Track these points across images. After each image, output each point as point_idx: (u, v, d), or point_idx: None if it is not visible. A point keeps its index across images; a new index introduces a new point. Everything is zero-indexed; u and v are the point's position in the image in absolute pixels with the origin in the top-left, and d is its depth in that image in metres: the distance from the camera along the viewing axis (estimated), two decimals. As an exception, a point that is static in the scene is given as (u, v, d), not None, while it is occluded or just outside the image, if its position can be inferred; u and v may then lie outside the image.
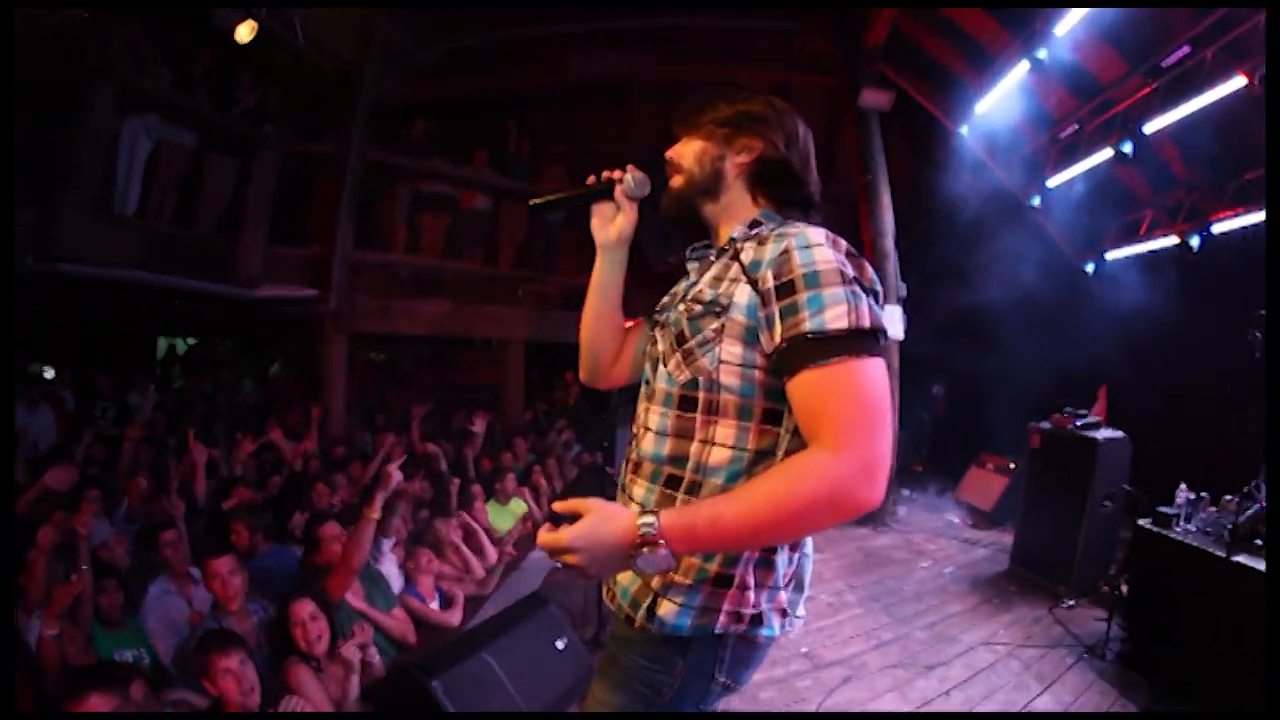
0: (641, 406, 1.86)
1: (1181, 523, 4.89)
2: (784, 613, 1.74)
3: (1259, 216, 6.94)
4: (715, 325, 1.62)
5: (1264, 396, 5.01)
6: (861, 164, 8.92)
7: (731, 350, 1.60)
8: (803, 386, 1.47)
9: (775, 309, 1.52)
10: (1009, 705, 4.27)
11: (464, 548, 5.72)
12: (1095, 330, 8.22)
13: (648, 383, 1.85)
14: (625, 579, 1.74)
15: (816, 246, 1.55)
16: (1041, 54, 7.11)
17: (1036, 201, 8.97)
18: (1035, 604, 5.81)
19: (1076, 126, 8.19)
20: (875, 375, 1.46)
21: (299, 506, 5.57)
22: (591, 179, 2.03)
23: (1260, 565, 4.12)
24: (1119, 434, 6.03)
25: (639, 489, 1.78)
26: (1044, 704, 4.30)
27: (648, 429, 1.78)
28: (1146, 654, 4.79)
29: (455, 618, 4.91)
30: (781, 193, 1.85)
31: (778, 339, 1.51)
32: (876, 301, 1.54)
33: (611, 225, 2.04)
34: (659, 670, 1.72)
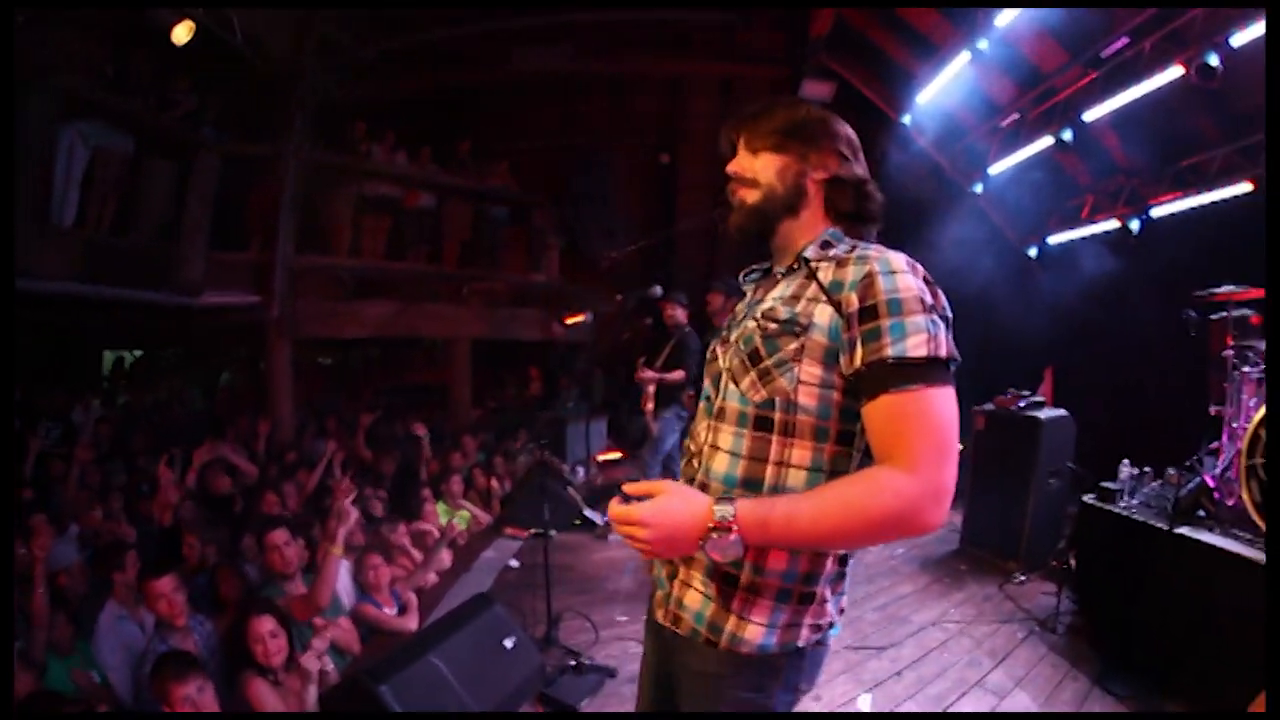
0: (704, 424, 1.81)
1: (1125, 497, 4.99)
2: (842, 611, 1.78)
3: (1196, 200, 7.14)
4: (795, 345, 1.60)
5: (1194, 372, 5.18)
6: None
7: (811, 371, 1.59)
8: (882, 410, 1.48)
9: (858, 332, 1.52)
10: (961, 682, 4.30)
11: (414, 550, 5.68)
12: (1040, 313, 8.34)
13: (709, 400, 1.82)
14: (695, 603, 1.70)
15: (900, 273, 1.55)
16: (982, 44, 7.22)
17: (979, 188, 9.11)
18: (986, 581, 5.87)
19: (1018, 115, 8.32)
20: (948, 403, 1.49)
21: (251, 517, 5.49)
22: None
23: (1203, 537, 4.21)
24: (1062, 413, 6.14)
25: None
26: (996, 679, 4.35)
27: (717, 448, 1.73)
28: (1096, 626, 4.87)
29: (412, 623, 4.85)
30: (854, 209, 1.82)
31: (858, 362, 1.51)
32: (948, 327, 1.56)
33: None
34: (759, 695, 1.69)
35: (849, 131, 1.84)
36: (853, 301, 1.54)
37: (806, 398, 1.59)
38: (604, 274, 9.04)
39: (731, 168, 1.85)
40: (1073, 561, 5.24)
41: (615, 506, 1.54)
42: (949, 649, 4.75)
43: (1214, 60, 5.81)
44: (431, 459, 8.01)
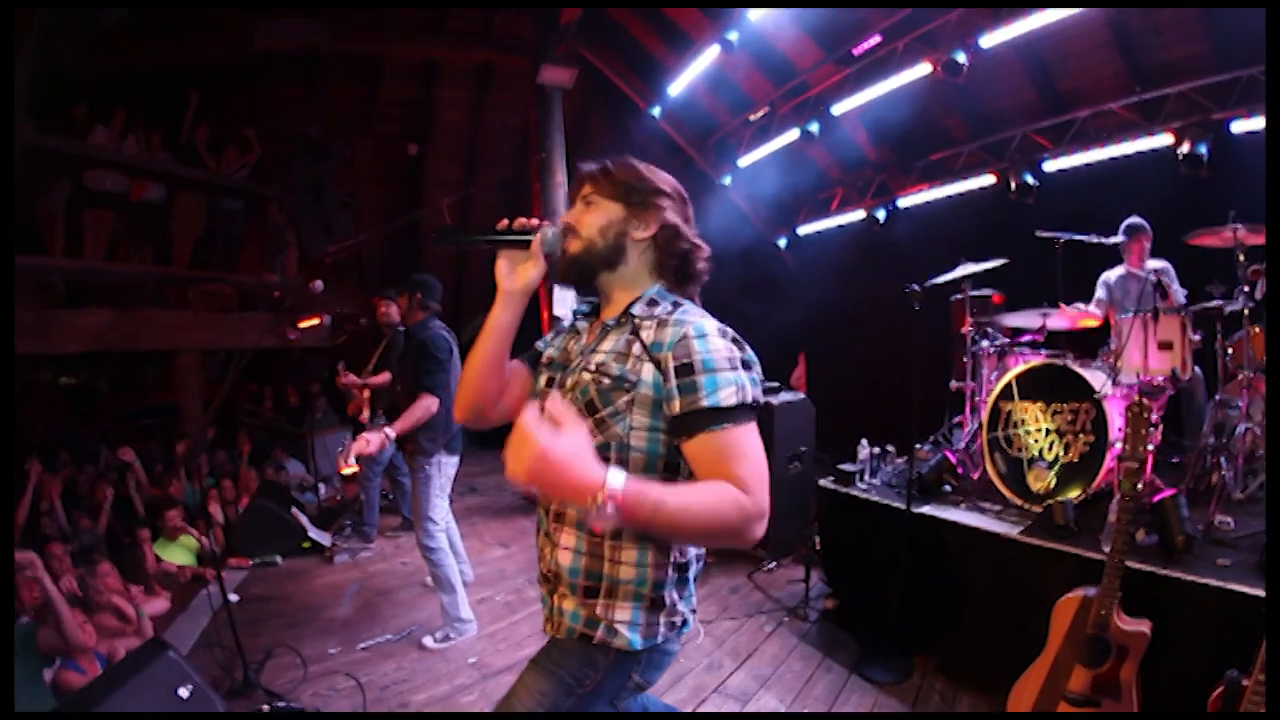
0: None
1: (866, 478, 4.90)
2: (694, 610, 1.99)
3: (940, 192, 7.47)
4: (626, 399, 1.78)
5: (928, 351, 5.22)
6: (538, 142, 8.71)
7: (640, 419, 1.78)
8: (701, 446, 1.68)
9: (675, 384, 1.71)
10: (700, 689, 3.90)
11: (120, 602, 4.83)
12: (791, 301, 8.39)
13: None
14: (571, 605, 1.88)
15: (710, 336, 1.75)
16: (733, 36, 7.16)
17: (729, 180, 9.13)
18: (734, 573, 5.55)
19: (769, 109, 8.38)
20: (756, 437, 1.70)
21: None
22: (505, 222, 1.98)
23: (946, 514, 4.16)
24: (799, 396, 6.01)
25: (566, 536, 1.90)
26: (739, 681, 3.98)
27: None
28: (851, 610, 4.69)
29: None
30: (677, 268, 1.95)
31: (678, 409, 1.70)
32: (755, 375, 1.77)
33: (520, 273, 1.99)
34: (585, 665, 1.88)
35: (683, 194, 2.01)
36: (669, 360, 1.74)
37: (638, 440, 1.79)
38: (326, 268, 8.36)
39: (565, 216, 2.00)
40: (818, 545, 5.11)
41: (531, 414, 1.50)
42: (685, 653, 4.31)
43: (961, 58, 5.98)
44: (149, 487, 7.04)
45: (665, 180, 1.98)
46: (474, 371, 2.06)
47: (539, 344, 2.19)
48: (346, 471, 8.63)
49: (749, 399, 1.71)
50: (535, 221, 1.97)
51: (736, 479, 1.61)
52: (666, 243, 1.93)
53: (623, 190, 1.93)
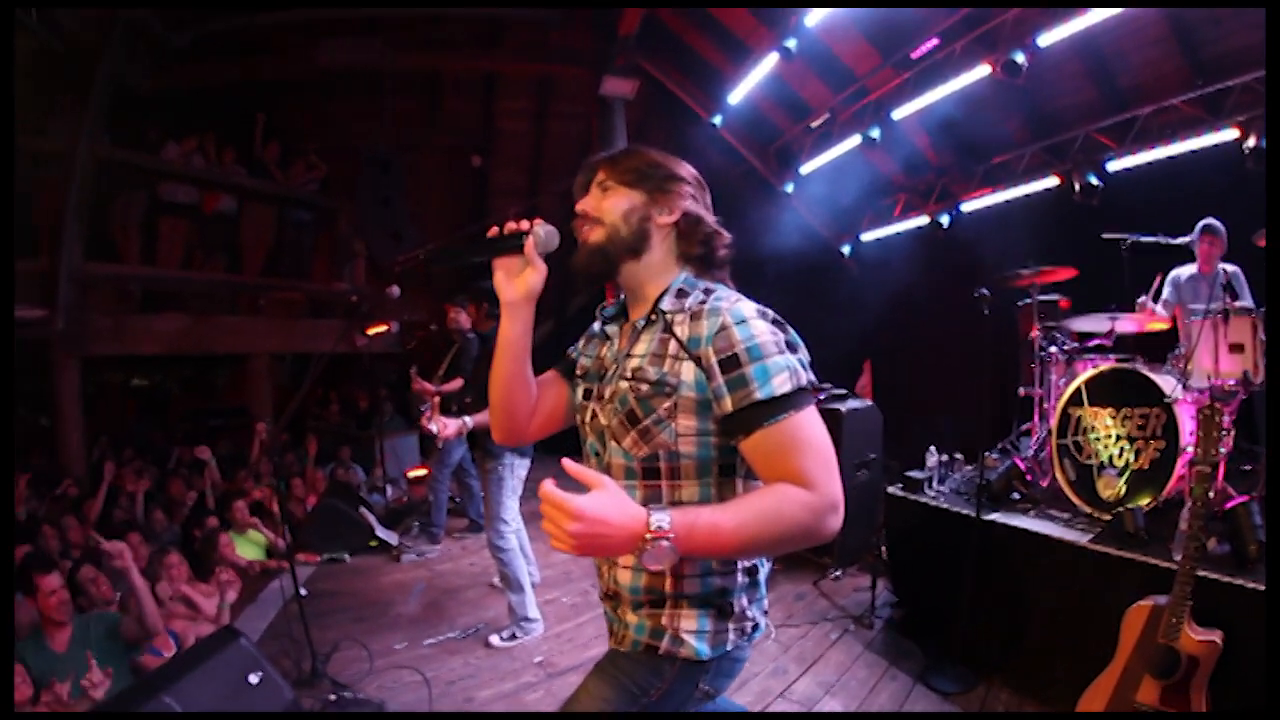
0: None
1: (935, 485, 4.87)
2: (765, 612, 1.90)
3: (1003, 195, 7.36)
4: (668, 404, 1.68)
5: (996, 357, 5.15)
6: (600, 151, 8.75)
7: (687, 423, 1.68)
8: (760, 443, 1.58)
9: (722, 381, 1.61)
10: (765, 694, 3.93)
11: (190, 591, 5.03)
12: (855, 308, 8.34)
13: (598, 455, 1.87)
14: (635, 618, 1.82)
15: (751, 320, 1.64)
16: (791, 44, 7.16)
17: (790, 188, 9.10)
18: (799, 580, 5.54)
19: (829, 115, 8.35)
20: (818, 422, 1.60)
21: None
22: (495, 230, 1.90)
23: (1015, 521, 4.12)
24: (866, 403, 5.97)
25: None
26: (804, 687, 3.99)
27: None
28: (915, 620, 4.66)
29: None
30: (702, 254, 1.88)
31: (730, 407, 1.60)
32: (803, 357, 1.66)
33: (519, 281, 1.90)
34: (651, 674, 1.80)
35: (701, 180, 1.92)
36: (711, 355, 1.63)
37: (686, 446, 1.69)
38: (395, 276, 8.54)
39: (580, 205, 1.90)
40: (884, 554, 5.08)
41: (549, 488, 1.44)
42: (750, 657, 4.37)
43: (1020, 58, 5.90)
44: (221, 484, 7.32)
45: (682, 165, 1.90)
46: (496, 392, 2.01)
47: (571, 351, 2.12)
48: (414, 474, 8.86)
49: (803, 382, 1.61)
50: (525, 224, 1.88)
51: (800, 474, 1.54)
52: (690, 228, 1.85)
53: (641, 175, 1.85)
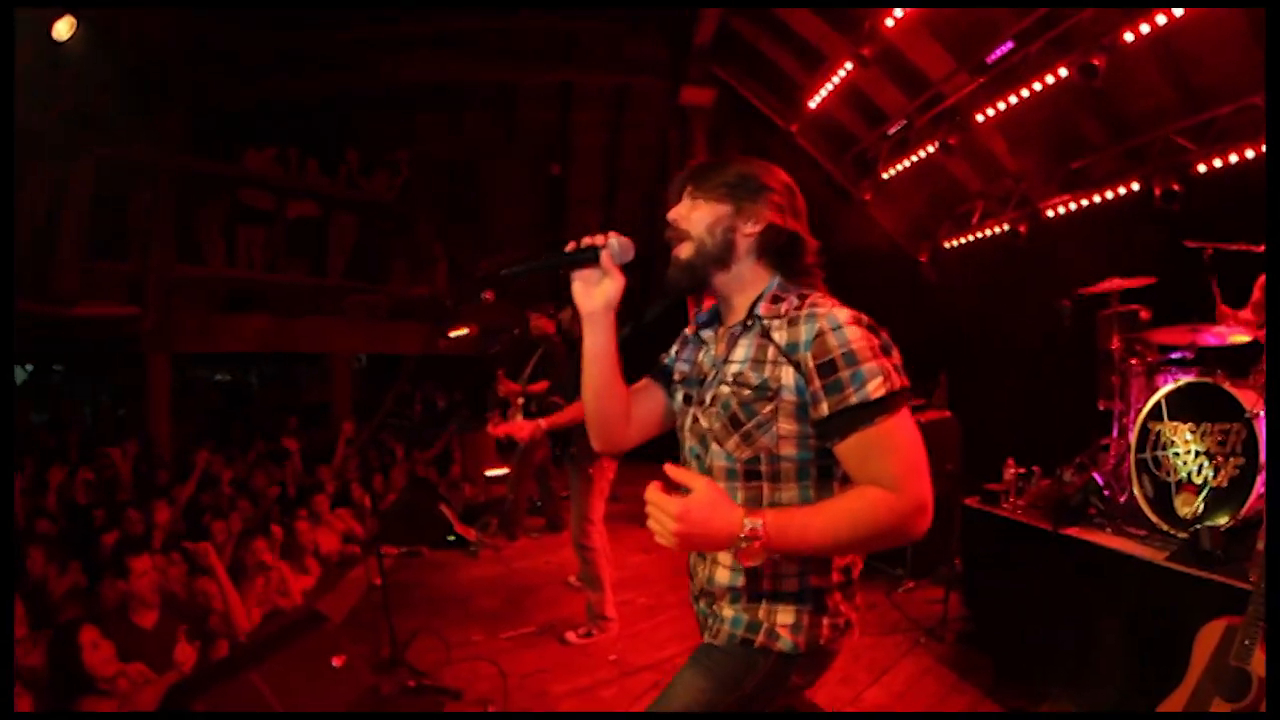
0: None
1: (1011, 498, 4.82)
2: (858, 609, 1.96)
3: (1083, 202, 7.23)
4: (769, 408, 1.75)
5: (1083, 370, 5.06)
6: (678, 161, 8.98)
7: (787, 427, 1.75)
8: (854, 447, 1.65)
9: (820, 385, 1.66)
10: (832, 702, 3.95)
11: (277, 566, 5.28)
12: (934, 318, 8.28)
13: (699, 457, 1.93)
14: (731, 612, 1.88)
15: (847, 327, 1.68)
16: (865, 50, 7.15)
17: (868, 195, 9.05)
18: (872, 591, 5.55)
19: (906, 122, 8.30)
20: (910, 425, 1.67)
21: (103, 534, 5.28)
22: (573, 245, 1.95)
23: (1092, 537, 4.05)
24: (944, 415, 5.97)
25: (724, 553, 1.89)
26: (873, 696, 4.03)
27: None
28: (988, 633, 4.63)
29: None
30: (790, 263, 1.92)
31: (826, 410, 1.66)
32: (897, 361, 1.71)
33: (597, 291, 1.97)
34: (745, 666, 1.85)
35: (796, 193, 1.96)
36: (809, 360, 1.68)
37: (787, 448, 1.76)
38: (490, 285, 8.76)
39: (670, 213, 1.95)
40: (959, 566, 5.04)
41: (655, 491, 1.59)
42: None
43: (1096, 60, 5.80)
44: (303, 476, 7.72)
45: (772, 173, 1.93)
46: (589, 403, 2.08)
47: (664, 357, 2.18)
48: (492, 473, 9.06)
49: (896, 387, 1.65)
50: (601, 238, 1.93)
51: (887, 476, 1.61)
52: (777, 237, 1.88)
53: (728, 186, 1.89)
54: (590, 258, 1.92)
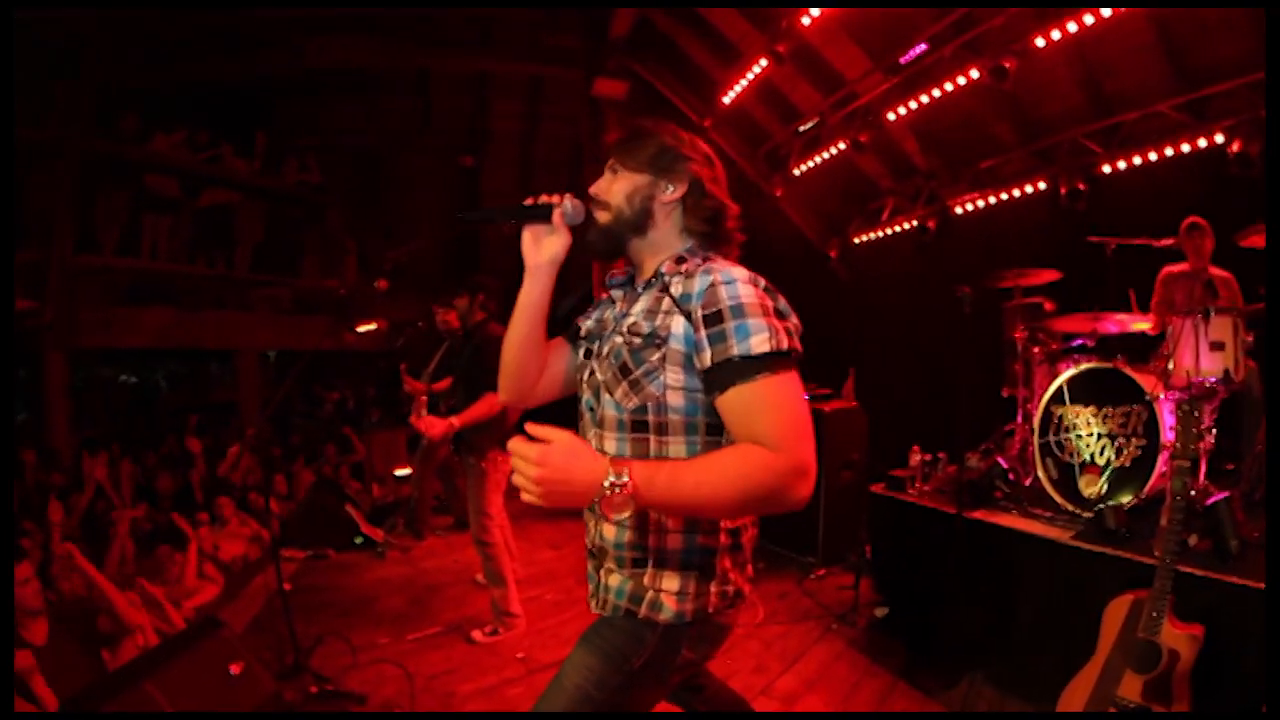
0: (591, 434, 1.94)
1: (918, 484, 4.89)
2: (749, 579, 1.94)
3: (991, 200, 7.44)
4: (657, 356, 1.75)
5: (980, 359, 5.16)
6: (591, 153, 9.00)
7: (675, 376, 1.75)
8: (734, 400, 1.64)
9: (704, 335, 1.67)
10: (746, 690, 3.86)
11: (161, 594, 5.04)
12: (844, 312, 8.39)
13: (592, 409, 1.94)
14: (616, 580, 1.89)
15: (740, 282, 1.70)
16: (781, 47, 7.18)
17: (780, 191, 9.13)
18: (783, 579, 5.55)
19: (819, 119, 8.37)
20: (795, 387, 1.66)
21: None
22: (530, 200, 1.98)
23: (996, 520, 4.14)
24: (851, 405, 6.04)
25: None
26: (786, 684, 4.00)
27: (603, 453, 1.80)
28: (900, 617, 4.66)
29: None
30: (705, 228, 1.94)
31: (709, 361, 1.66)
32: (792, 326, 1.72)
33: (544, 247, 1.99)
34: (633, 640, 1.84)
35: (715, 162, 1.99)
36: (698, 309, 1.70)
37: (674, 399, 1.76)
38: (386, 274, 8.58)
39: (592, 188, 1.99)
40: (868, 552, 5.10)
41: (516, 441, 1.54)
42: (732, 655, 4.34)
43: (1008, 63, 5.93)
44: (208, 478, 7.40)
45: (692, 143, 1.96)
46: (511, 352, 2.08)
47: (580, 319, 2.18)
48: (400, 472, 8.85)
49: (784, 346, 1.65)
50: (558, 197, 1.96)
51: (768, 435, 1.58)
52: (694, 204, 1.92)
53: (648, 156, 1.92)
54: (544, 214, 1.95)
